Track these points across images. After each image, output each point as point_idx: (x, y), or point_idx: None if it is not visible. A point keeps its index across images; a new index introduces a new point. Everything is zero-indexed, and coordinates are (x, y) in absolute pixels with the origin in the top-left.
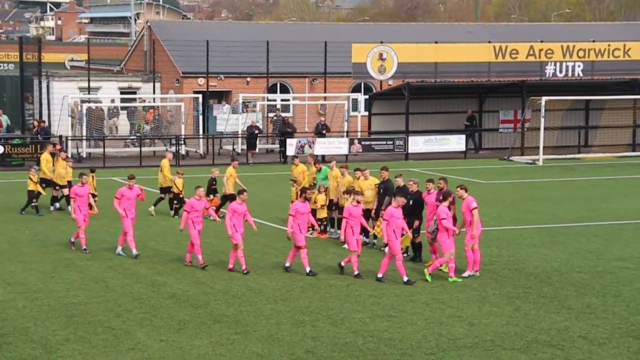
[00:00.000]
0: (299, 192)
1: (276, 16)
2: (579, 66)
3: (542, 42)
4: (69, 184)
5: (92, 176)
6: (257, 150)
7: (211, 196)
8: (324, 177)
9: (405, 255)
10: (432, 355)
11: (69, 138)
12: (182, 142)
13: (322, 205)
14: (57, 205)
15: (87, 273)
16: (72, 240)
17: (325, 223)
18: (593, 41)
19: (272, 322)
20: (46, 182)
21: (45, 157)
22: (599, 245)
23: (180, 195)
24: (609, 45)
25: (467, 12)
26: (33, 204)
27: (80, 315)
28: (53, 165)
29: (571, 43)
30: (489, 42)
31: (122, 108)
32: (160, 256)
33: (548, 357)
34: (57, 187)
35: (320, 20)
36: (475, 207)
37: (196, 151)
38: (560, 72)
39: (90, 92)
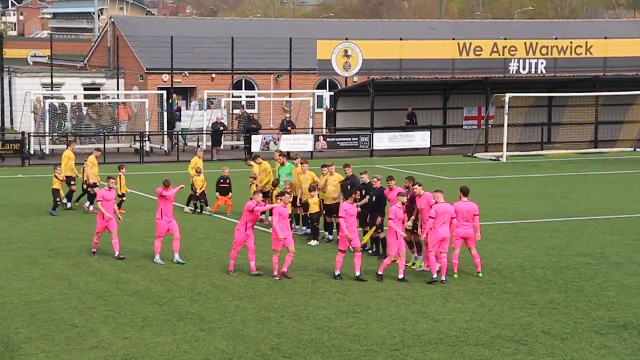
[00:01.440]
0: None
1: (241, 12)
2: (542, 63)
3: (505, 39)
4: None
5: (120, 175)
6: (222, 147)
7: (217, 194)
8: (287, 173)
9: (369, 251)
10: (397, 351)
11: (32, 134)
12: (147, 138)
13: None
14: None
15: (50, 270)
16: (117, 253)
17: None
18: (555, 38)
19: (237, 319)
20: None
21: (67, 154)
22: (561, 241)
23: (197, 193)
24: (571, 43)
25: (432, 9)
26: (59, 202)
27: (43, 313)
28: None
29: (534, 40)
30: (453, 39)
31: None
32: (124, 253)
33: (511, 353)
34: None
35: (285, 16)
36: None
37: (160, 147)
38: (524, 69)
39: (53, 89)
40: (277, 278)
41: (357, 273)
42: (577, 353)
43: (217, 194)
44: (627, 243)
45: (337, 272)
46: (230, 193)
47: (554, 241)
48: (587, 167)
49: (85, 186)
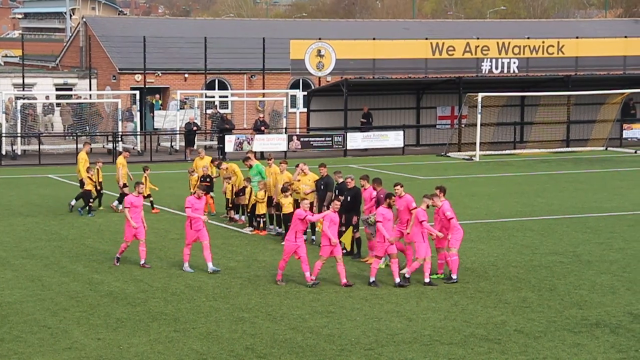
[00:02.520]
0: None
1: (214, 12)
2: (514, 63)
3: (478, 38)
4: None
5: (145, 177)
6: (195, 147)
7: (212, 194)
8: (255, 173)
9: (344, 251)
10: (371, 350)
11: (3, 135)
12: (119, 139)
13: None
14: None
15: (22, 272)
16: (142, 262)
17: (264, 219)
18: (528, 38)
19: (211, 320)
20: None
21: (84, 156)
22: (534, 239)
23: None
24: (543, 42)
25: (404, 9)
26: (89, 204)
27: (15, 315)
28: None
29: (506, 40)
30: (426, 38)
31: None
32: (97, 254)
33: (485, 352)
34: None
35: (258, 16)
36: (415, 207)
37: (134, 148)
38: (496, 68)
39: (25, 89)
40: (310, 282)
41: (372, 279)
42: (550, 351)
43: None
44: (599, 242)
45: (372, 279)
46: (211, 192)
47: (527, 240)
48: (559, 166)
49: (99, 188)
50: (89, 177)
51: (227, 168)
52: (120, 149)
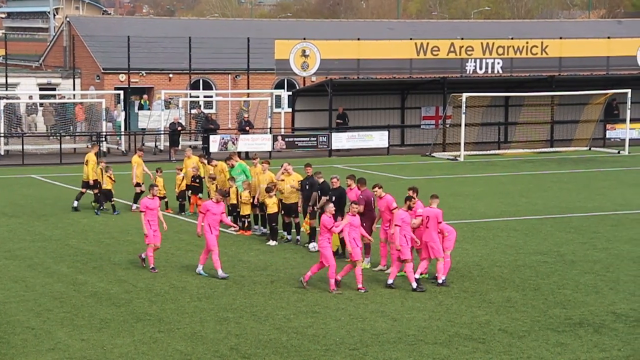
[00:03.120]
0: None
1: (198, 12)
2: (498, 63)
3: (462, 39)
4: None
5: (156, 178)
6: (180, 147)
7: (200, 195)
8: (239, 173)
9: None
10: (356, 350)
11: None
12: (103, 139)
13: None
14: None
15: (5, 272)
16: (142, 256)
17: (248, 220)
18: (512, 38)
19: (196, 320)
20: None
21: (92, 158)
22: (518, 239)
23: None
24: (527, 43)
25: (389, 9)
26: (111, 203)
27: None
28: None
29: (491, 40)
30: (411, 39)
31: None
32: (81, 254)
33: (469, 351)
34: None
35: (242, 16)
36: (396, 207)
37: (117, 148)
38: (481, 68)
39: (8, 88)
40: (362, 290)
41: (390, 281)
42: (534, 351)
43: (189, 192)
44: (582, 241)
45: (390, 281)
46: (200, 193)
47: (511, 240)
48: (543, 166)
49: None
50: (108, 176)
51: (216, 165)
52: (104, 149)
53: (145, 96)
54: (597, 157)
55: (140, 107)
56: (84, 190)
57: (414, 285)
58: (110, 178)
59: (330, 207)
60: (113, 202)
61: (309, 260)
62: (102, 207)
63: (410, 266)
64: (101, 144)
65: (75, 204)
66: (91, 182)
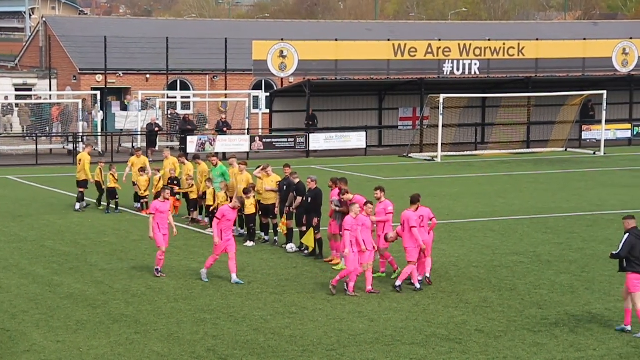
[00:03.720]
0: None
1: (176, 12)
2: (475, 64)
3: (439, 40)
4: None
5: (140, 177)
6: (157, 148)
7: (178, 196)
8: (219, 174)
9: (305, 252)
10: (333, 351)
11: None
12: (80, 139)
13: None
14: (82, 204)
15: None
16: (159, 268)
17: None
18: (489, 40)
19: (173, 321)
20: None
21: (86, 157)
22: (495, 240)
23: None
24: (504, 44)
25: (367, 10)
26: (115, 201)
27: None
28: None
29: (468, 42)
30: (388, 40)
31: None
32: (57, 256)
33: (446, 351)
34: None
35: (220, 17)
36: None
37: (94, 149)
38: (458, 70)
39: None
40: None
41: (398, 283)
42: (510, 351)
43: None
44: (558, 242)
45: (398, 283)
46: (177, 195)
47: (488, 240)
48: (520, 167)
49: (102, 187)
50: (111, 174)
51: (199, 163)
52: (80, 150)
53: (128, 97)
54: (573, 158)
55: (124, 108)
56: (81, 189)
57: (417, 285)
58: (113, 177)
59: (356, 208)
60: (117, 200)
61: (287, 261)
62: (110, 205)
63: (413, 267)
64: (77, 145)
65: (77, 206)
66: (92, 180)
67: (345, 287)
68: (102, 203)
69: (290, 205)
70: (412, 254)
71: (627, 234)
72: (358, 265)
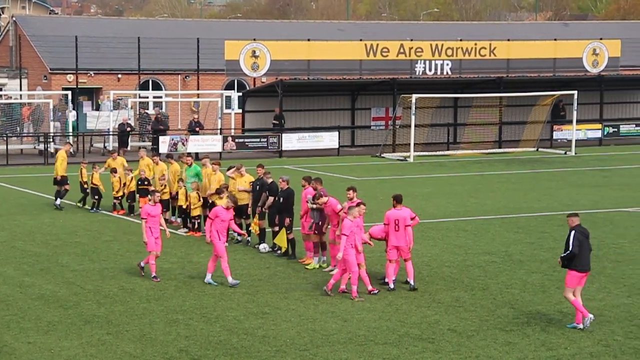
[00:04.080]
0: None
1: (147, 12)
2: (447, 64)
3: (412, 40)
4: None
5: (94, 172)
6: (129, 148)
7: (137, 196)
8: (194, 174)
9: (278, 252)
10: (306, 351)
11: None
12: (51, 139)
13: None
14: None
15: None
16: (142, 264)
17: (198, 221)
18: (460, 40)
19: (145, 322)
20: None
21: (63, 155)
22: (467, 239)
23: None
24: (475, 44)
25: (339, 10)
26: (95, 199)
27: None
28: None
29: (440, 42)
30: (361, 40)
31: None
32: (28, 256)
33: (419, 351)
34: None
35: (192, 16)
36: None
37: (72, 150)
38: (430, 70)
39: None
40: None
41: (411, 280)
42: (483, 350)
43: (138, 195)
44: (530, 241)
45: (389, 283)
46: (149, 195)
47: (460, 240)
48: (491, 167)
49: (85, 186)
50: (93, 173)
51: (172, 163)
52: (52, 150)
53: (102, 97)
54: (544, 158)
55: (97, 108)
56: (56, 186)
57: (412, 283)
58: (93, 176)
59: (354, 211)
60: (99, 199)
61: (259, 261)
62: (56, 203)
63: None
64: (48, 145)
65: (58, 201)
66: (58, 177)
67: (347, 290)
68: (85, 204)
69: (262, 206)
70: (394, 254)
71: (572, 231)
72: (357, 267)
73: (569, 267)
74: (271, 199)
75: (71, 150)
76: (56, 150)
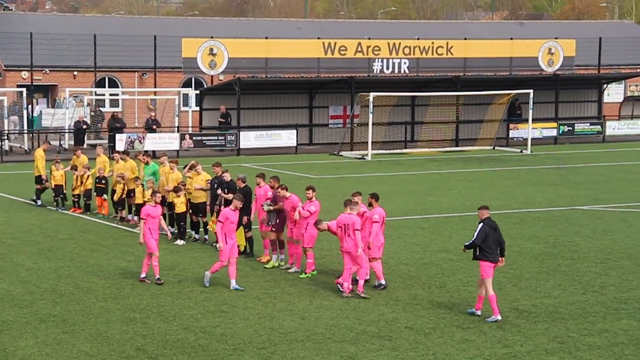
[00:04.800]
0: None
1: (103, 9)
2: (405, 63)
3: (369, 39)
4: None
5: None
6: (85, 146)
7: (105, 196)
8: (151, 173)
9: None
10: (264, 349)
11: None
12: (6, 137)
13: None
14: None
15: None
16: (143, 276)
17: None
18: (418, 39)
19: (102, 321)
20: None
21: (40, 154)
22: (424, 237)
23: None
24: (432, 43)
25: (297, 9)
26: (58, 197)
27: None
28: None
29: (397, 40)
30: (318, 38)
31: None
32: None
33: (376, 348)
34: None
35: (149, 14)
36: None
37: (20, 147)
38: (387, 68)
39: None
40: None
41: (383, 282)
42: (440, 347)
43: (94, 194)
44: None
45: (383, 282)
46: (105, 194)
47: (418, 238)
48: (448, 165)
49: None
50: (55, 169)
51: (127, 160)
52: (7, 148)
53: (60, 94)
54: (500, 156)
55: (58, 105)
56: (37, 185)
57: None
58: (57, 170)
59: (355, 207)
60: (61, 197)
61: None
62: (35, 201)
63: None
64: (3, 143)
65: (39, 202)
66: (44, 176)
67: (340, 289)
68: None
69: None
70: (377, 251)
71: (481, 224)
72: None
73: (480, 258)
74: (227, 196)
75: (48, 148)
76: (11, 148)
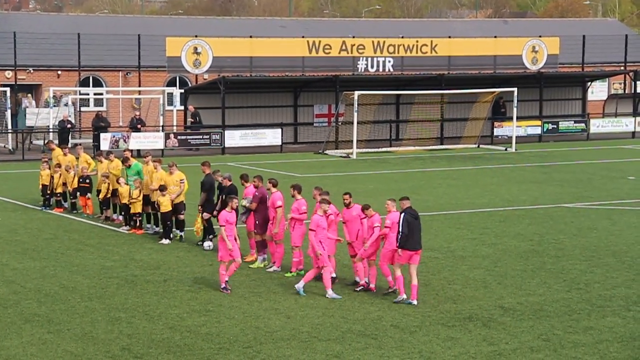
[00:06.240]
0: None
1: (87, 8)
2: (389, 61)
3: (354, 37)
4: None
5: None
6: (69, 145)
7: (89, 195)
8: (135, 173)
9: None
10: (249, 348)
11: None
12: None
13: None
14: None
15: None
16: (225, 283)
17: (140, 218)
18: (402, 37)
19: (87, 320)
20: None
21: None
22: None
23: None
24: (417, 42)
25: (281, 7)
26: (44, 197)
27: None
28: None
29: (382, 39)
30: (303, 37)
31: None
32: None
33: (362, 347)
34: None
35: (133, 13)
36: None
37: (5, 146)
38: (372, 67)
39: None
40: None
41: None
42: (425, 345)
43: (78, 193)
44: (472, 237)
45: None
46: (89, 193)
47: None
48: (433, 164)
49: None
50: (44, 169)
51: (112, 160)
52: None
53: (47, 93)
54: (485, 155)
55: (46, 105)
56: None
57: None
58: (43, 170)
59: (324, 207)
60: (47, 196)
61: (202, 259)
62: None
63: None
64: None
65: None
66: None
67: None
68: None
69: (203, 204)
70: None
71: (403, 214)
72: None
73: (401, 246)
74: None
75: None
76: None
